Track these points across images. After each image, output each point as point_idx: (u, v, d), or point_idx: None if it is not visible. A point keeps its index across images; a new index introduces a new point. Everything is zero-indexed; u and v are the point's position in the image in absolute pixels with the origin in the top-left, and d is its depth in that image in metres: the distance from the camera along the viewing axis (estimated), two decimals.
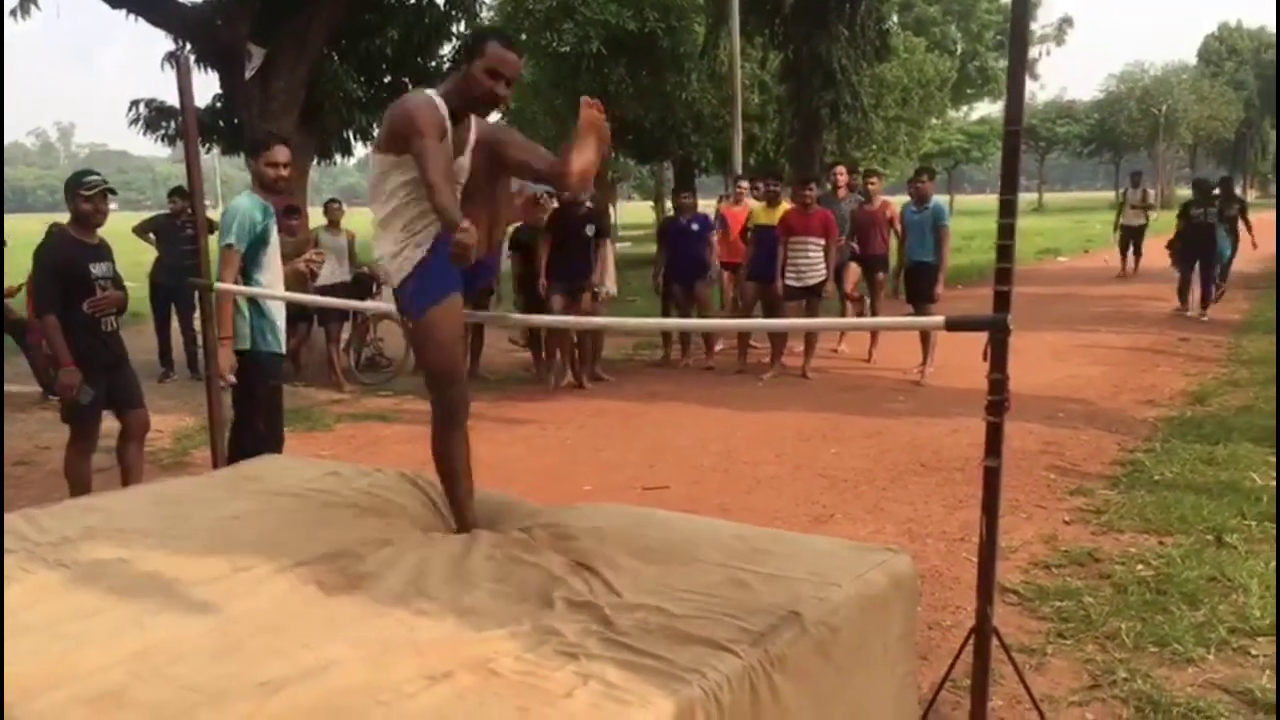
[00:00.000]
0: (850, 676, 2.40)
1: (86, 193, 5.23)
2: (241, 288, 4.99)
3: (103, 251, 5.39)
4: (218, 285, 4.84)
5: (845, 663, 2.37)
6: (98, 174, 5.45)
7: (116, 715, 1.87)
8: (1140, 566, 4.62)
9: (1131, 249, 18.64)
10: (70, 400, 5.23)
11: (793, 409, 8.34)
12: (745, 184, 11.75)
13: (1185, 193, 59.83)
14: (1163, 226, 24.21)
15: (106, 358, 5.38)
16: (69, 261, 5.24)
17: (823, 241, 9.59)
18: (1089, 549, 4.89)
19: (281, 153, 5.18)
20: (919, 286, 9.51)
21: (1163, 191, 61.73)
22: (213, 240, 5.78)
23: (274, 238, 5.21)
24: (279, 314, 5.27)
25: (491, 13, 17.62)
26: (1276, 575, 4.23)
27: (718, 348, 11.25)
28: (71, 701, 1.92)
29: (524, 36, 18.55)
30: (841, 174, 11.18)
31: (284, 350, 5.39)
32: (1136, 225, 18.52)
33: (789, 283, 9.67)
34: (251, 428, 5.17)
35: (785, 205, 10.13)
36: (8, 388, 9.63)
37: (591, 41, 17.39)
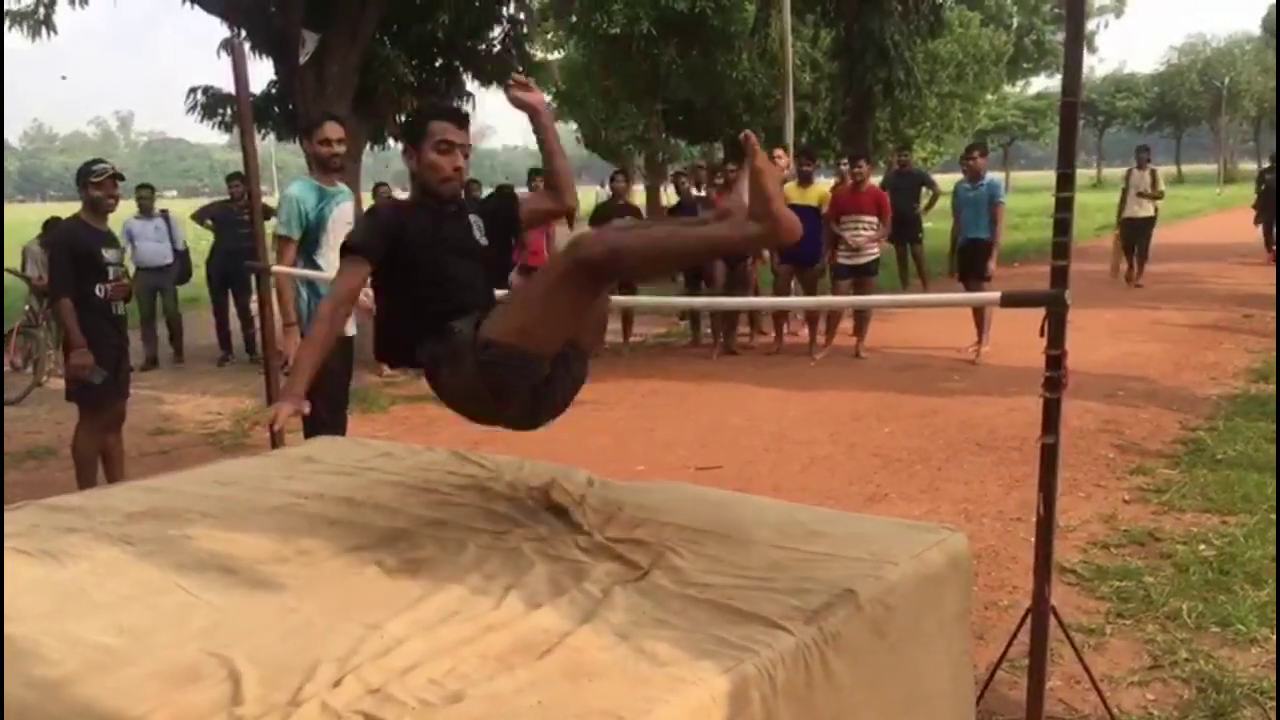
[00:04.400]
0: (905, 655, 2.39)
1: (96, 179, 5.40)
2: (298, 270, 5.04)
3: (113, 239, 5.61)
4: (275, 268, 4.93)
5: (900, 641, 2.36)
6: (105, 162, 5.60)
7: (192, 690, 1.89)
8: (1202, 546, 4.55)
9: (1136, 248, 14.26)
10: (82, 381, 5.38)
11: (846, 389, 8.30)
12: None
13: (1248, 166, 58.24)
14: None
15: (118, 340, 5.59)
16: (81, 244, 5.43)
17: (875, 219, 9.52)
18: (1149, 528, 4.82)
19: (333, 129, 5.13)
20: (973, 264, 9.41)
21: (1225, 165, 60.27)
22: (268, 225, 5.86)
23: (332, 220, 5.13)
24: None
25: None
26: (1277, 571, 4.13)
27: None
28: (148, 677, 1.95)
29: (574, 18, 18.54)
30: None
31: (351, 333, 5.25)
32: (1142, 218, 14.11)
33: (841, 261, 9.60)
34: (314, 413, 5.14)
35: (821, 186, 10.03)
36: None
37: (641, 22, 17.32)
